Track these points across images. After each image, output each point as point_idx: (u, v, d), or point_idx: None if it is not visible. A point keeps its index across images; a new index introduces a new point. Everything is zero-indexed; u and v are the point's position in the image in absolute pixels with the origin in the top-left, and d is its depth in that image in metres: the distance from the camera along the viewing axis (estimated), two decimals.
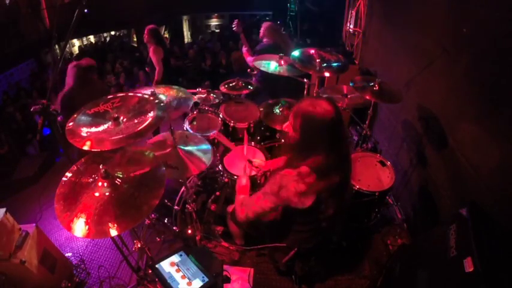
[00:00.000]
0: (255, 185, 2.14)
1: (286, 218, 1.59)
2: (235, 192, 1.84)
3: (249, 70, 3.54)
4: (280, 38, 3.65)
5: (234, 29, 3.64)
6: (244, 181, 1.83)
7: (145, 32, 3.75)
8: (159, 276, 1.39)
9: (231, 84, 2.97)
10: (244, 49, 3.69)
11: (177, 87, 2.27)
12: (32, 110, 2.20)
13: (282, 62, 2.71)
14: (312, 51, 2.51)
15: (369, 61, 3.80)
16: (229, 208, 2.04)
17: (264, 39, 3.65)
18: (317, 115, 1.35)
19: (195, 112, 2.87)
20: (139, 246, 1.82)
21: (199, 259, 1.48)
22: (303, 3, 6.87)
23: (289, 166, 1.46)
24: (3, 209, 1.83)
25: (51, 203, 2.89)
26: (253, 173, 2.19)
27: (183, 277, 1.39)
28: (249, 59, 3.60)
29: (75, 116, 1.55)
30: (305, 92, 2.77)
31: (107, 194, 1.34)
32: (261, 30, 3.65)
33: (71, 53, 10.60)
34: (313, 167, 1.38)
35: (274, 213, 1.58)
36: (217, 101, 2.90)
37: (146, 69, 4.12)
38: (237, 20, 3.68)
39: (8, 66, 8.03)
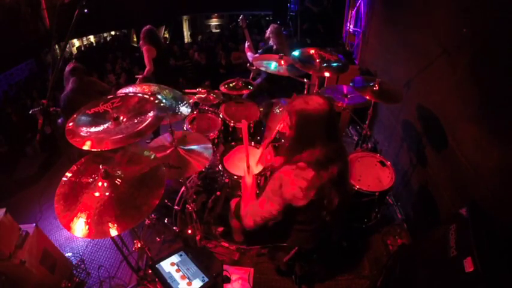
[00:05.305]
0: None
1: (287, 216, 1.58)
2: (240, 191, 1.81)
3: (248, 65, 3.61)
4: (283, 44, 3.73)
5: (239, 23, 3.80)
6: (249, 180, 1.77)
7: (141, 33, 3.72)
8: (159, 276, 1.40)
9: (231, 84, 2.97)
10: (246, 44, 3.81)
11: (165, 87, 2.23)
12: (30, 112, 2.20)
13: (282, 62, 2.71)
14: (312, 51, 2.51)
15: (369, 61, 3.80)
16: (233, 202, 1.99)
17: (270, 41, 3.72)
18: (312, 111, 1.38)
19: (195, 112, 2.87)
20: (139, 246, 1.82)
21: (199, 259, 1.48)
22: (303, 3, 6.88)
23: (287, 163, 1.47)
24: (3, 209, 1.83)
25: (51, 203, 2.89)
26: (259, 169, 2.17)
27: (183, 277, 1.39)
28: (249, 54, 3.73)
29: (75, 116, 1.55)
30: (305, 92, 2.77)
31: (107, 194, 1.34)
32: (268, 31, 3.72)
33: (71, 53, 10.59)
34: (310, 161, 1.39)
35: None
36: (217, 101, 2.90)
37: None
38: (242, 15, 3.84)
39: (8, 66, 8.02)
